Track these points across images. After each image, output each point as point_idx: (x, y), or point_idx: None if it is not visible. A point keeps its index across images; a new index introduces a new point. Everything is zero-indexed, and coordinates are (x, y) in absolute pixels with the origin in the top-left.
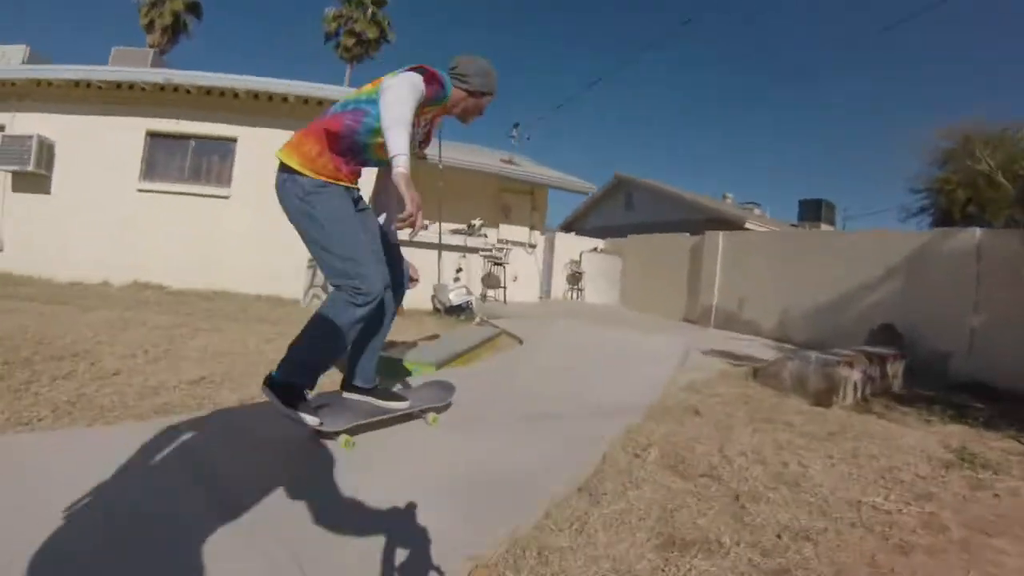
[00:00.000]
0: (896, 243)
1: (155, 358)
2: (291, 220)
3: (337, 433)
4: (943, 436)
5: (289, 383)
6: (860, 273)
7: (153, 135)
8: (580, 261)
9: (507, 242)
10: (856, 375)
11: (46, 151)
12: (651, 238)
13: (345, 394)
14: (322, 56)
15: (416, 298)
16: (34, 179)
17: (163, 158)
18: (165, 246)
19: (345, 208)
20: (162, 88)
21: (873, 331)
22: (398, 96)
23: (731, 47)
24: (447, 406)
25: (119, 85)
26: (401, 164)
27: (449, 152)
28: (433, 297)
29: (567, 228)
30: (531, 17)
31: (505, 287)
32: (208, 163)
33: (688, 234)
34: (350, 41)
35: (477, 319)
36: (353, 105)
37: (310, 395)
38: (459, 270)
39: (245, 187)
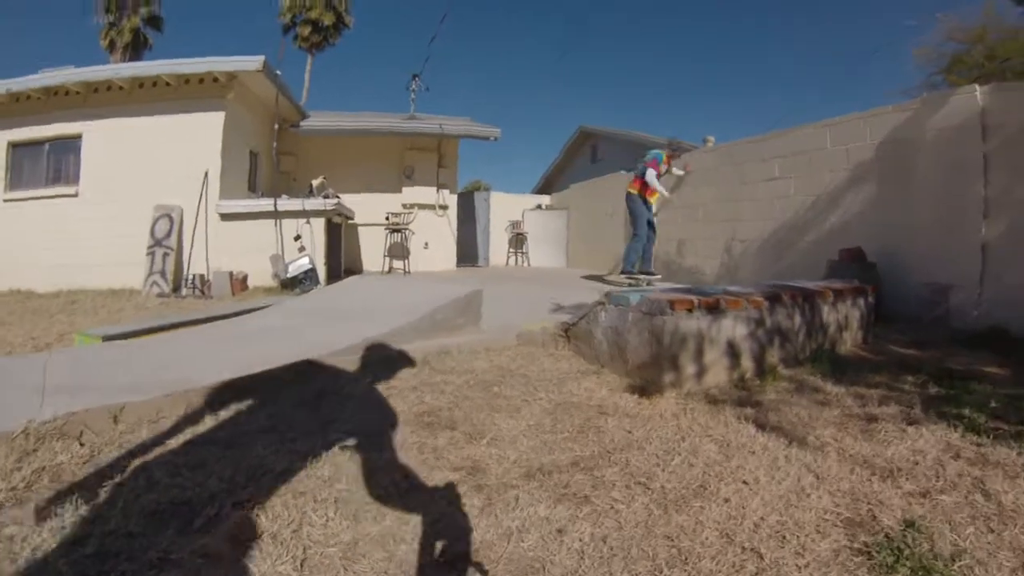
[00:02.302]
0: (857, 130)
1: None
2: (630, 210)
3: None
4: (907, 456)
5: (625, 270)
6: (814, 184)
7: (14, 145)
8: (523, 221)
9: (412, 206)
10: (733, 329)
11: None
12: (591, 184)
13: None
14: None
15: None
16: None
17: (26, 166)
18: (31, 252)
19: (644, 207)
20: (16, 99)
21: (832, 263)
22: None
23: None
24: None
25: None
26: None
27: (340, 120)
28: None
29: (541, 193)
30: None
31: (406, 257)
32: (64, 163)
33: (624, 171)
34: (307, 30)
35: (316, 289)
36: (640, 172)
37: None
38: (297, 237)
39: (92, 183)
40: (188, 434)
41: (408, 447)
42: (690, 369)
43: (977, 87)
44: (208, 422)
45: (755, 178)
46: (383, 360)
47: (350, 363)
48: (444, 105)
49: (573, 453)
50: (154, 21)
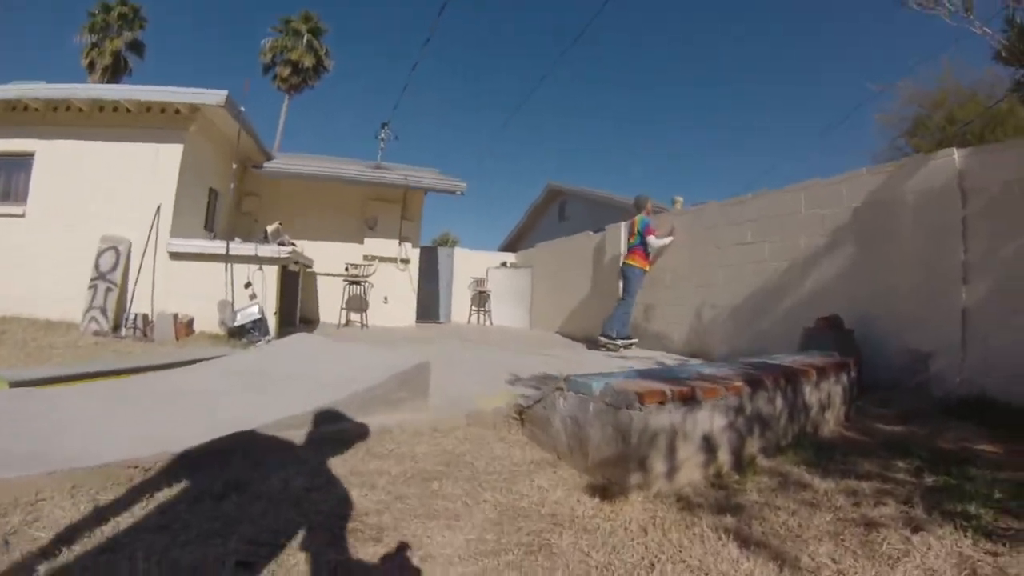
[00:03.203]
0: (834, 195)
1: None
2: (626, 278)
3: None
4: None
5: (606, 333)
6: (790, 249)
7: None
8: (486, 279)
9: (373, 258)
10: (710, 421)
11: None
12: (557, 243)
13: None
14: (262, 89)
15: (212, 319)
16: None
17: None
18: None
19: (641, 278)
20: None
21: (808, 331)
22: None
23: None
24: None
25: None
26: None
27: (304, 163)
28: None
29: (507, 250)
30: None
31: (364, 310)
32: (14, 181)
33: (591, 232)
34: (286, 71)
35: (264, 340)
36: (639, 244)
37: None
38: (248, 284)
39: (41, 205)
40: (62, 527)
41: (318, 568)
42: (660, 468)
43: (956, 150)
44: (92, 514)
45: (727, 242)
46: (314, 441)
47: (275, 443)
48: (414, 156)
49: None
50: (136, 46)
